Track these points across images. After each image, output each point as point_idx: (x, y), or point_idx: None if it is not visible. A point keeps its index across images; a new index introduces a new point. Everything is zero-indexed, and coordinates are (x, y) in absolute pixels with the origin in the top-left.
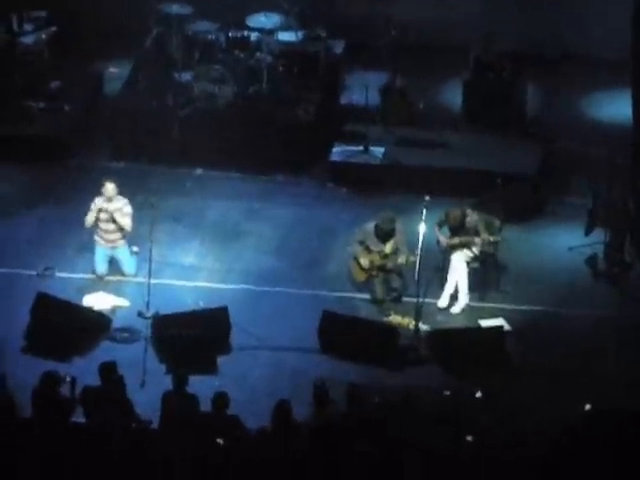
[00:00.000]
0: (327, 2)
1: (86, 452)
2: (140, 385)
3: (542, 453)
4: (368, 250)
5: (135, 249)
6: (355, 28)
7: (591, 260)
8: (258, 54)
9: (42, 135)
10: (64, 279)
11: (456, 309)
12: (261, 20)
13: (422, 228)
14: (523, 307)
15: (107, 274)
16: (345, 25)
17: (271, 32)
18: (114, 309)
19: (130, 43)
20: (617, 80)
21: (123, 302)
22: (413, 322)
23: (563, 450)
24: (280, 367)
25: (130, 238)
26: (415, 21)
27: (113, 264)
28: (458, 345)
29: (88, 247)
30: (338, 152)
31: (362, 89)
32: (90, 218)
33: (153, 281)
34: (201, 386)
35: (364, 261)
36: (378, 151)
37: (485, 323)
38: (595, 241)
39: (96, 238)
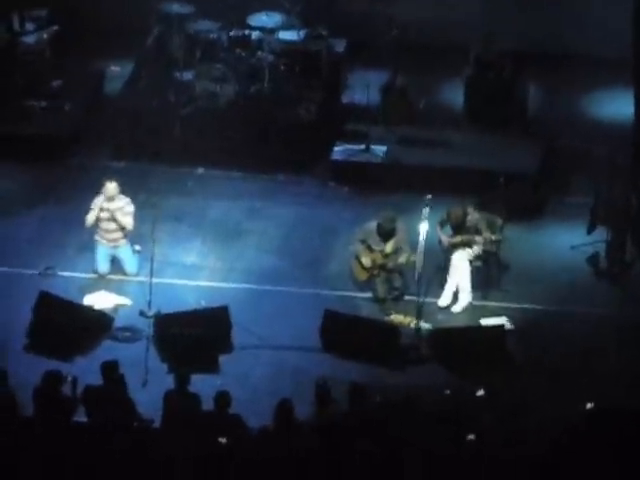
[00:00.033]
0: (328, 1)
1: (88, 451)
2: (142, 384)
3: (543, 452)
4: (369, 249)
5: (137, 248)
6: (356, 27)
7: (592, 259)
8: (259, 53)
9: (43, 134)
10: (66, 278)
11: (457, 308)
12: (262, 19)
13: (423, 227)
14: (524, 306)
15: (109, 273)
16: (346, 24)
17: (272, 31)
18: (116, 308)
19: (131, 42)
20: (618, 79)
21: (125, 301)
22: (414, 321)
23: (564, 449)
24: (282, 366)
25: (132, 237)
26: (415, 21)
27: (115, 263)
28: (459, 344)
29: (89, 246)
30: (339, 151)
31: (363, 88)
32: (91, 217)
33: (155, 280)
34: (203, 385)
35: (365, 260)
36: (379, 150)
37: (486, 322)
38: (596, 240)
39: (97, 237)
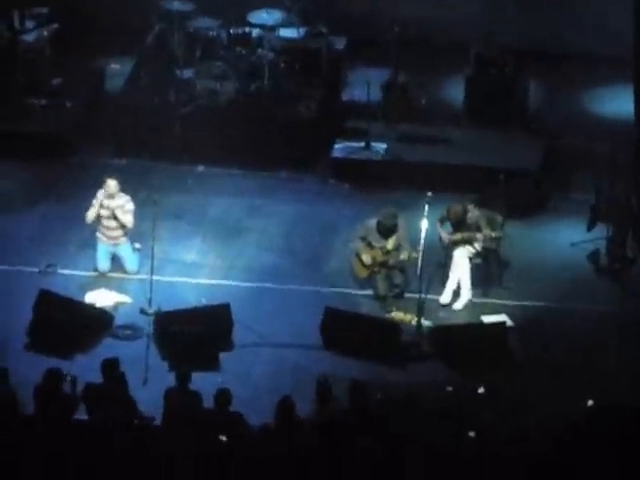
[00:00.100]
0: None
1: (88, 449)
2: (142, 382)
3: (544, 449)
4: (370, 246)
5: (138, 246)
6: (357, 24)
7: (593, 256)
8: (260, 51)
9: (44, 132)
10: (66, 276)
11: (458, 305)
12: (263, 17)
13: (424, 224)
14: (525, 303)
15: (109, 271)
16: (347, 21)
17: (273, 29)
18: (116, 306)
19: (132, 40)
20: (619, 76)
21: (125, 299)
22: (415, 318)
23: (565, 446)
24: (282, 363)
25: (132, 235)
26: (416, 20)
27: (115, 261)
28: (460, 341)
29: (90, 244)
30: (340, 148)
31: (364, 85)
32: (91, 213)
33: (155, 278)
34: (203, 383)
35: (366, 257)
36: (380, 147)
37: (487, 319)
38: (597, 237)
39: (98, 235)
